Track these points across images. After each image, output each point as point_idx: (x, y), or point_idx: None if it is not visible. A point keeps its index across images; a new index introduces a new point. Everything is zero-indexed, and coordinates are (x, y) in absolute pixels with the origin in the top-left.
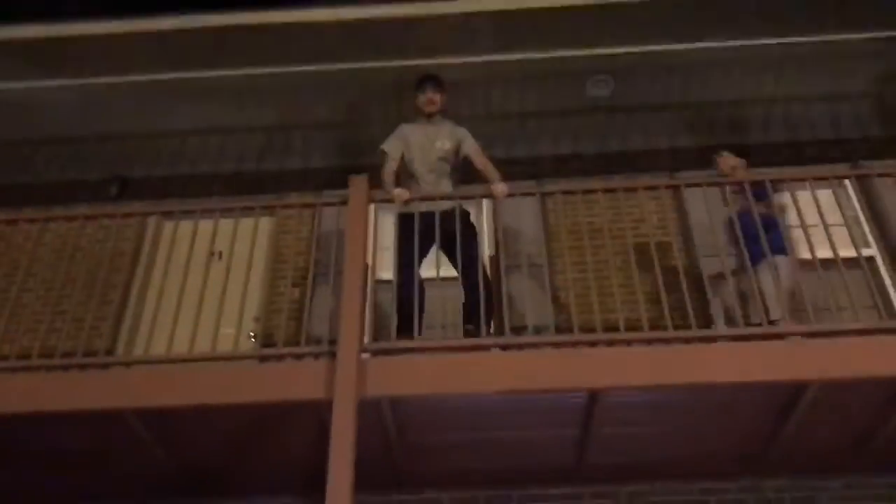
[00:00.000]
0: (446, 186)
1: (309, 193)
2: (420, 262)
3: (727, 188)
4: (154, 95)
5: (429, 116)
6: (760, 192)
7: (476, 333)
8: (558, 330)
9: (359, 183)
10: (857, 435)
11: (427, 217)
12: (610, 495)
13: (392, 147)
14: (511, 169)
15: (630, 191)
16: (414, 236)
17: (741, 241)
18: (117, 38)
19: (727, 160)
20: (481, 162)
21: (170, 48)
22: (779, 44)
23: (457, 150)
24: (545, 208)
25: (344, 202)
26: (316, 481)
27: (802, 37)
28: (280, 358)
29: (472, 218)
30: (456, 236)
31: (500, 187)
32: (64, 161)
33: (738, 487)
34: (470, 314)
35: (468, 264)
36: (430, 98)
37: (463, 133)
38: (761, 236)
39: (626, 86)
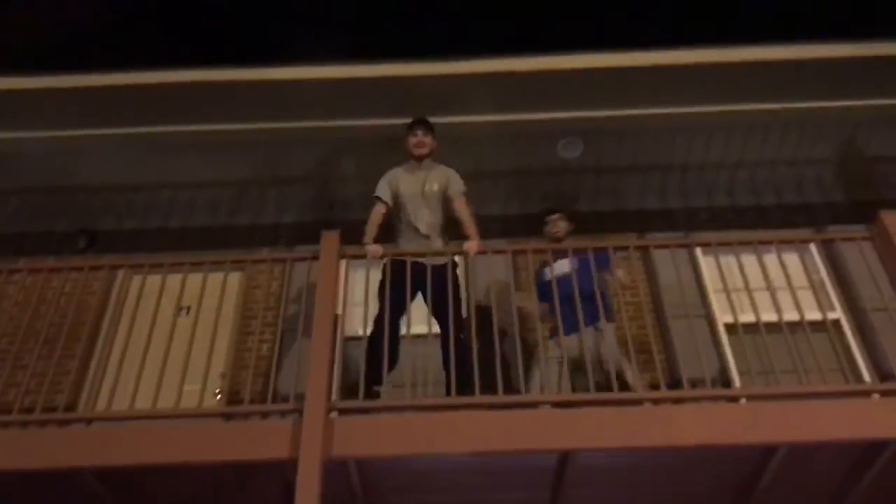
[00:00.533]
0: (436, 238)
1: (280, 248)
2: (402, 313)
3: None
4: (125, 148)
5: (419, 159)
6: (602, 258)
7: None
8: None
9: (330, 238)
10: (828, 498)
11: (419, 270)
12: None
13: (383, 192)
14: (483, 226)
15: (600, 250)
16: (399, 286)
17: (557, 304)
18: (89, 91)
19: (557, 223)
20: (460, 206)
21: (142, 102)
22: (745, 110)
23: (444, 191)
24: (517, 266)
25: (315, 257)
26: None
27: (768, 104)
28: (246, 416)
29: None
30: (443, 293)
31: (472, 245)
32: (32, 212)
33: None
34: (463, 380)
35: (458, 326)
36: (421, 140)
37: (452, 173)
38: (598, 300)
39: (596, 148)
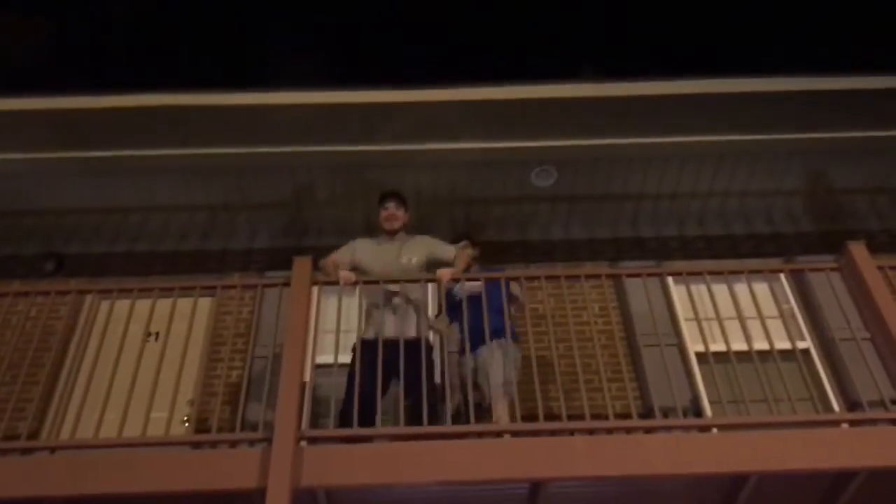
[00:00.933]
0: (410, 318)
1: (251, 274)
2: (380, 395)
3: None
4: (95, 171)
5: (391, 233)
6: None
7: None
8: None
9: (302, 264)
10: None
11: (392, 349)
12: None
13: (342, 256)
14: None
15: (572, 278)
16: (371, 365)
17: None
18: (57, 113)
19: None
20: (463, 263)
21: (112, 125)
22: (716, 140)
23: (429, 262)
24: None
25: (286, 283)
26: None
27: (739, 135)
28: (214, 444)
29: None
30: (417, 372)
31: (445, 272)
32: None
33: None
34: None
35: (419, 399)
36: (392, 213)
37: (433, 241)
38: (506, 319)
39: (570, 176)
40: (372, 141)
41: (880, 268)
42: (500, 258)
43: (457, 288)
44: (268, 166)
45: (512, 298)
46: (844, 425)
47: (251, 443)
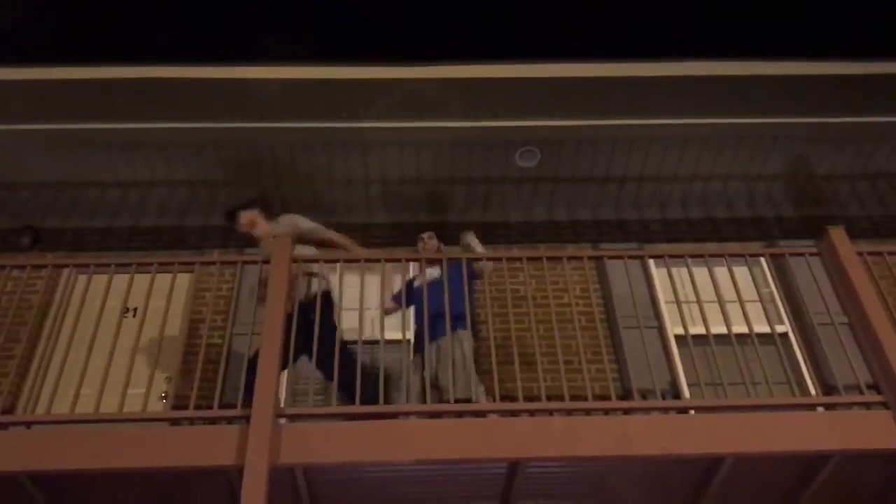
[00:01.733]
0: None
1: (231, 251)
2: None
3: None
4: (72, 144)
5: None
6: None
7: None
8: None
9: (282, 241)
10: None
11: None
12: None
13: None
14: (441, 233)
15: (554, 260)
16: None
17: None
18: (34, 84)
19: (428, 241)
20: (328, 237)
21: (91, 97)
22: (699, 124)
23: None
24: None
25: (266, 261)
26: None
27: (722, 118)
28: (191, 421)
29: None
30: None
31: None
32: None
33: None
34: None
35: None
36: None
37: (294, 219)
38: (466, 309)
39: (553, 158)
40: (354, 118)
41: (860, 253)
42: (484, 240)
43: (416, 276)
44: (248, 141)
45: (475, 275)
46: (820, 409)
47: (229, 420)
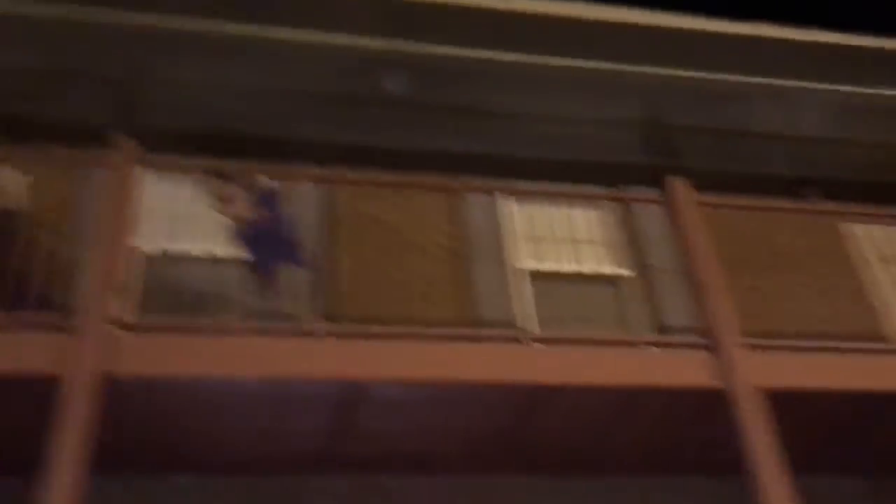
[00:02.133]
0: None
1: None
2: None
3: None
4: None
5: None
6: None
7: None
8: (329, 319)
9: (130, 147)
10: (595, 439)
11: None
12: (370, 487)
13: None
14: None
15: (409, 187)
16: None
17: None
18: None
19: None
20: None
21: None
22: (554, 66)
23: None
24: (333, 197)
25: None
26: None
27: (576, 60)
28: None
29: None
30: None
31: None
32: None
33: (491, 483)
34: None
35: None
36: None
37: None
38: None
39: (419, 85)
40: (214, 15)
41: (701, 204)
42: (347, 161)
43: None
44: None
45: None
46: (653, 349)
47: (60, 329)
